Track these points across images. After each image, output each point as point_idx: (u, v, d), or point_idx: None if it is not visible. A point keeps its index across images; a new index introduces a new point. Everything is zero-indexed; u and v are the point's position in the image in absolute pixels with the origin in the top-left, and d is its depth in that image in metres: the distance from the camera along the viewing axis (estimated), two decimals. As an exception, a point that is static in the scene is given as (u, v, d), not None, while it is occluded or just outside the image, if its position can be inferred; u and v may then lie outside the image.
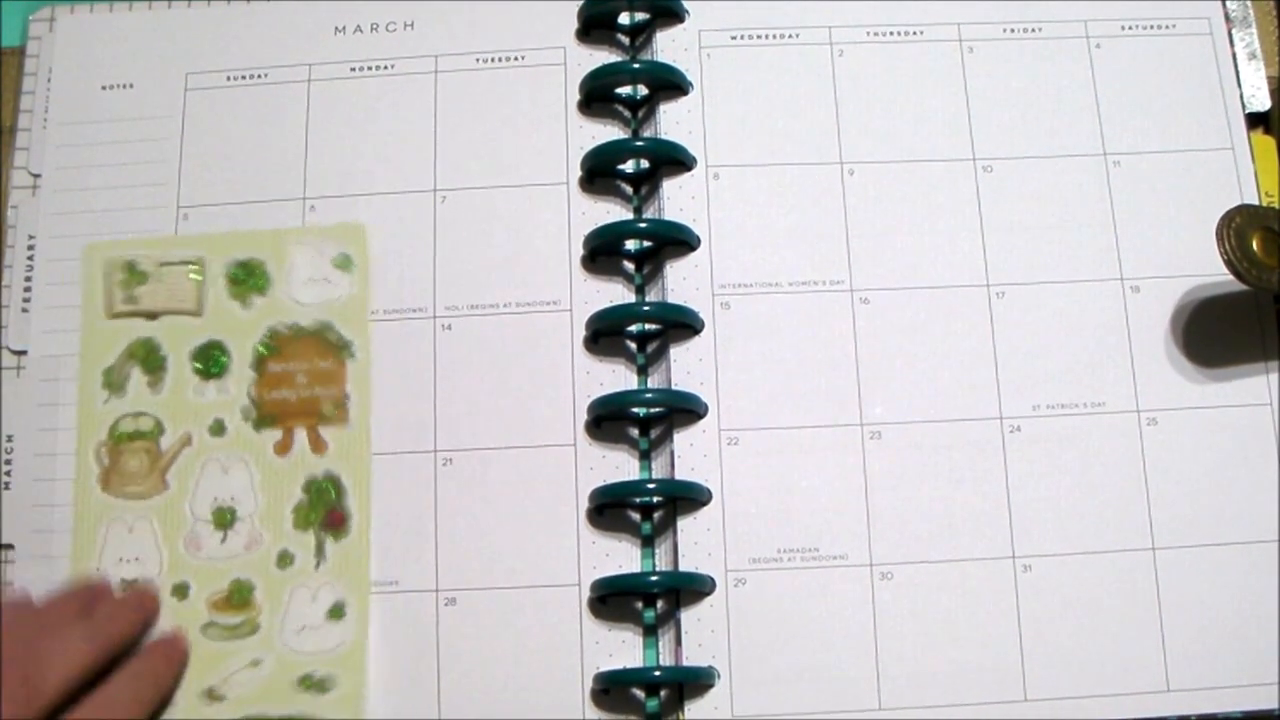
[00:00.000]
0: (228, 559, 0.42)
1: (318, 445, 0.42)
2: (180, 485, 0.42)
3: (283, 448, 0.42)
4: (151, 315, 0.44)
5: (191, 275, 0.43)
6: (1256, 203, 0.45)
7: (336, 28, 0.48)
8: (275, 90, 0.47)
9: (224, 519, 0.42)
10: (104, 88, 0.48)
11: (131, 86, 0.48)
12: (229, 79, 0.47)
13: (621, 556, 0.43)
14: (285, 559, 0.41)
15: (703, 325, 0.44)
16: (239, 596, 0.41)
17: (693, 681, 0.41)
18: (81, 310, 0.44)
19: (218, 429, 0.42)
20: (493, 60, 0.47)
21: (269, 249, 0.44)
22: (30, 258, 0.46)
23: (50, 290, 0.46)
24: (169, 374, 0.43)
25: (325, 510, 0.41)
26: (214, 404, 0.43)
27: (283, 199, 0.46)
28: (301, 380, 0.43)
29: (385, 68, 0.47)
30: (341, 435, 0.42)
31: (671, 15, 0.47)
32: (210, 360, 0.43)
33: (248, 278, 0.43)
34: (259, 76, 0.47)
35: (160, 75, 0.48)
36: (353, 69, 0.47)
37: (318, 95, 0.47)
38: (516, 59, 0.47)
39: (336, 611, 0.41)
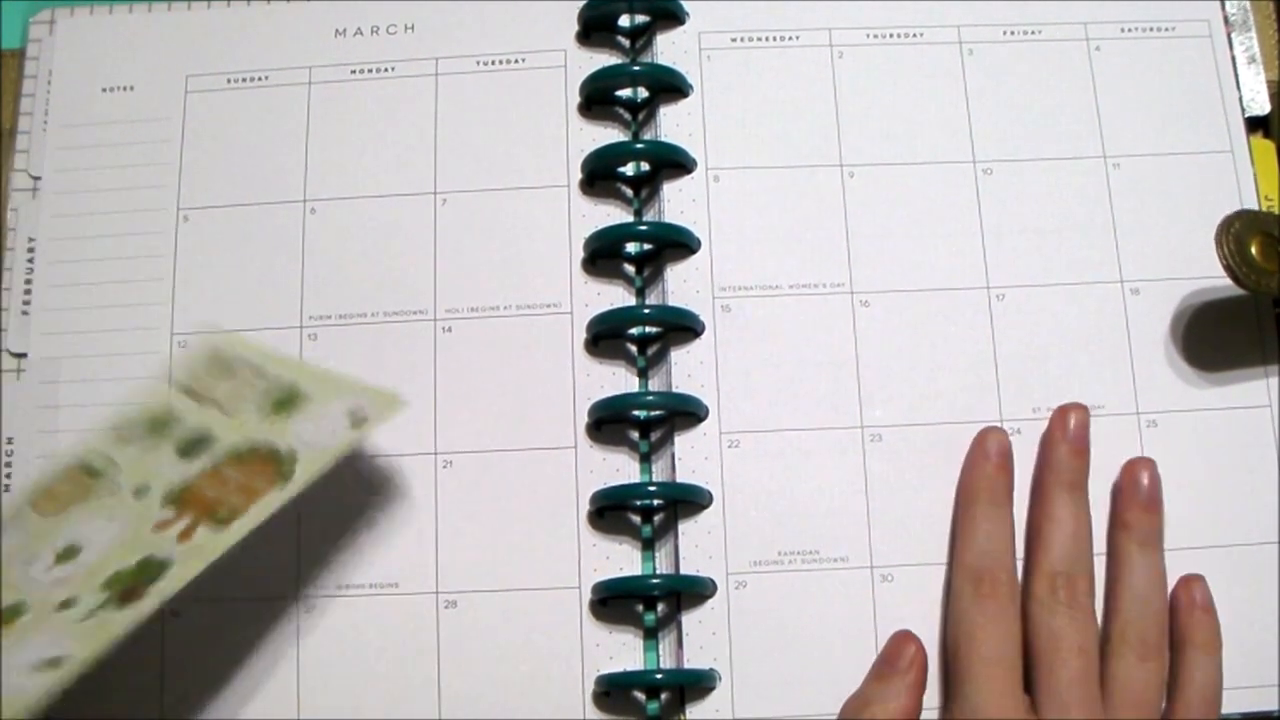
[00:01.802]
0: (37, 585, 0.39)
1: (185, 535, 0.39)
2: (69, 516, 0.40)
3: (162, 525, 0.40)
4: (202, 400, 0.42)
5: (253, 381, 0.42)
6: (1256, 207, 0.45)
7: (337, 30, 0.48)
8: (275, 93, 0.47)
9: (68, 554, 0.40)
10: (104, 90, 0.48)
11: (132, 89, 0.48)
12: (229, 81, 0.47)
13: (622, 559, 0.43)
14: (67, 604, 0.38)
15: (703, 328, 0.44)
16: (11, 613, 0.38)
17: (694, 684, 0.41)
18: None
19: (141, 491, 0.40)
20: (493, 63, 0.47)
21: (314, 385, 0.42)
22: (30, 260, 0.46)
23: (50, 293, 0.46)
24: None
25: (131, 583, 0.38)
26: (154, 471, 0.41)
27: (283, 201, 0.46)
28: (230, 484, 0.40)
29: (385, 70, 0.47)
30: (209, 536, 0.39)
31: (671, 17, 0.47)
32: (194, 445, 0.41)
33: (286, 402, 0.41)
34: (259, 79, 0.47)
35: (161, 77, 0.48)
36: (353, 71, 0.47)
37: (318, 98, 0.47)
38: (517, 61, 0.47)
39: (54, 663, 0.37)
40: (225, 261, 0.46)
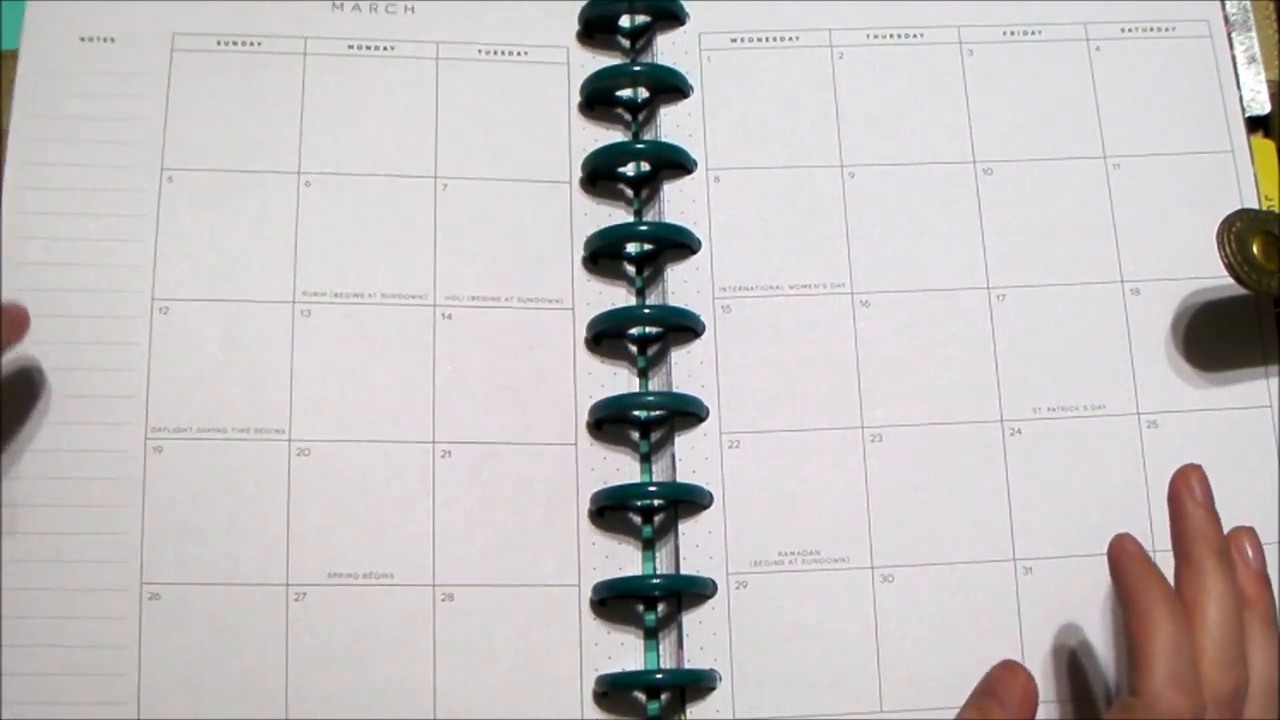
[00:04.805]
0: None
1: None
2: None
3: None
4: None
5: None
6: (1256, 206, 0.45)
7: (334, 2, 0.47)
8: (268, 60, 0.46)
9: None
10: (82, 39, 0.46)
11: (113, 41, 0.46)
12: (219, 44, 0.46)
13: (622, 559, 0.43)
14: None
15: (703, 328, 0.44)
16: None
17: (694, 684, 0.41)
18: None
19: None
20: (495, 53, 0.47)
21: None
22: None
23: (19, 245, 0.43)
24: None
25: None
26: None
27: (274, 171, 0.45)
28: None
29: (385, 49, 0.46)
30: None
31: (672, 18, 0.47)
32: None
33: None
34: (251, 44, 0.46)
35: (145, 32, 0.46)
36: (350, 46, 0.46)
37: (314, 69, 0.46)
38: (520, 54, 0.47)
39: None
40: (213, 227, 0.44)
